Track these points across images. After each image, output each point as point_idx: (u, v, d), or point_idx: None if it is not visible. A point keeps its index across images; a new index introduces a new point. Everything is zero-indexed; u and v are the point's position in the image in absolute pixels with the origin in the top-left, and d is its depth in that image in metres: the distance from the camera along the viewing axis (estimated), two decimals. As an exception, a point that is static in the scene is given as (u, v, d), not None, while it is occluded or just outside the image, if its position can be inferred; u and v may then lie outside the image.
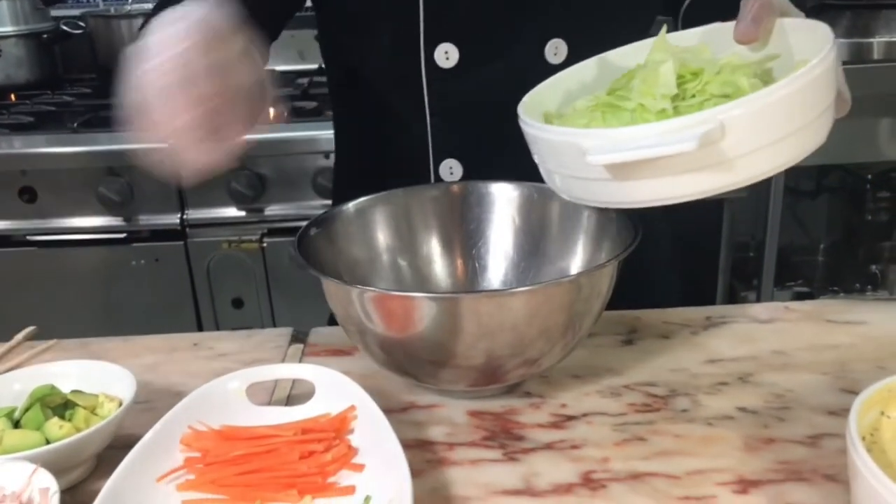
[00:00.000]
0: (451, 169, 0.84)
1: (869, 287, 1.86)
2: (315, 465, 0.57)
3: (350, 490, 0.56)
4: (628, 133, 0.55)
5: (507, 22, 0.79)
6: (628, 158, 0.53)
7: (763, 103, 0.53)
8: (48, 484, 0.51)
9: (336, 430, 0.61)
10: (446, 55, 0.79)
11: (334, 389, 0.64)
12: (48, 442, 0.58)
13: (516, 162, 0.67)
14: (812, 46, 0.59)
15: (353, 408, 0.62)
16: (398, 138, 0.81)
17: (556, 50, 0.78)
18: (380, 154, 0.85)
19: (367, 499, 0.53)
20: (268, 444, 0.59)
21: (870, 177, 1.84)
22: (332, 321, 0.81)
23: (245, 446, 0.59)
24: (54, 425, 0.59)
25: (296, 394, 0.70)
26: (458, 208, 0.79)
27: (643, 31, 0.82)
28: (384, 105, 0.86)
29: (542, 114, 0.67)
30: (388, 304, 0.61)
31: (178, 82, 0.52)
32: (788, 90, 0.54)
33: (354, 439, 0.60)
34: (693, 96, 0.59)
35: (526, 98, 0.67)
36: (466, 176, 0.85)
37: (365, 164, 0.91)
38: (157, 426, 0.59)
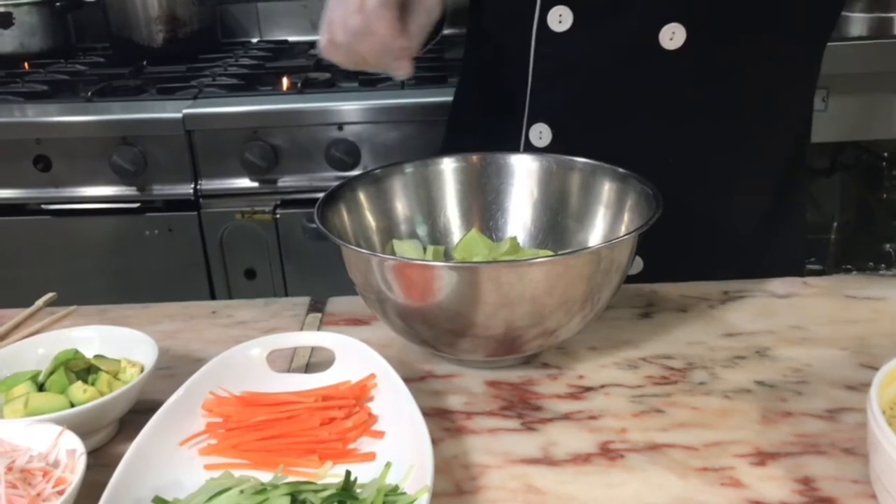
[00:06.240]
0: (540, 134, 0.84)
1: (882, 266, 1.85)
2: (336, 431, 0.58)
3: (370, 456, 0.56)
4: None
5: None
6: None
7: None
8: (75, 445, 0.52)
9: (356, 397, 0.61)
10: (560, 18, 0.78)
11: (354, 357, 0.64)
12: (72, 405, 0.59)
13: (609, 132, 0.66)
14: None
15: (372, 376, 0.63)
16: (500, 96, 0.84)
17: (672, 35, 0.74)
18: (482, 107, 0.88)
19: (388, 465, 0.54)
20: (289, 411, 0.60)
21: (885, 154, 1.82)
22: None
23: (266, 412, 0.60)
24: (78, 389, 0.60)
25: (314, 362, 0.70)
26: (476, 179, 0.79)
27: (784, 33, 0.77)
28: (495, 61, 0.88)
29: None
30: (408, 272, 0.61)
31: None
32: None
33: (374, 407, 0.61)
34: None
35: None
36: (554, 142, 0.84)
37: (474, 112, 0.95)
38: (180, 391, 0.60)
